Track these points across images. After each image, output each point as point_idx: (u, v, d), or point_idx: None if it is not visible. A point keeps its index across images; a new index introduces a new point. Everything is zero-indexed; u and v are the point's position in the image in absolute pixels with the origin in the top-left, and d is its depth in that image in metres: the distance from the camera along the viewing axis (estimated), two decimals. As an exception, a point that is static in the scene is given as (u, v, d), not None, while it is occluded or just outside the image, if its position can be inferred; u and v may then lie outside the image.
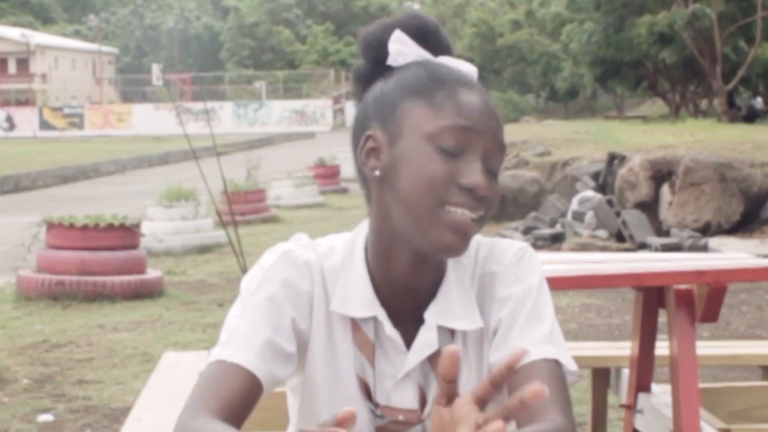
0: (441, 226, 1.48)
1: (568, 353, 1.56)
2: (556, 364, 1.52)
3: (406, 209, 1.50)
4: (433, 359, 1.56)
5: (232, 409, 1.45)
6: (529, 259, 1.60)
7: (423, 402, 1.57)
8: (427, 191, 1.48)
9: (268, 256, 1.59)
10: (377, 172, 1.53)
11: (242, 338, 1.50)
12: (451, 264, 1.59)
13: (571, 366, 1.54)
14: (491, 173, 1.51)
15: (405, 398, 1.57)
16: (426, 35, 1.58)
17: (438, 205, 1.47)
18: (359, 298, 1.56)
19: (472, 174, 1.48)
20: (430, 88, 1.52)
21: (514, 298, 1.56)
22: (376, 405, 1.57)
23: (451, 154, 1.48)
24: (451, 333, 1.58)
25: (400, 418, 1.57)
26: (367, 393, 1.57)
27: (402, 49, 1.57)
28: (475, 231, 1.50)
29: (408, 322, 1.57)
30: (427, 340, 1.56)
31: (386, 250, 1.55)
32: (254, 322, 1.52)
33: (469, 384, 1.57)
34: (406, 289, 1.56)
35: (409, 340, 1.57)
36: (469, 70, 1.59)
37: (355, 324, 1.57)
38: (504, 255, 1.60)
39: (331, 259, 1.59)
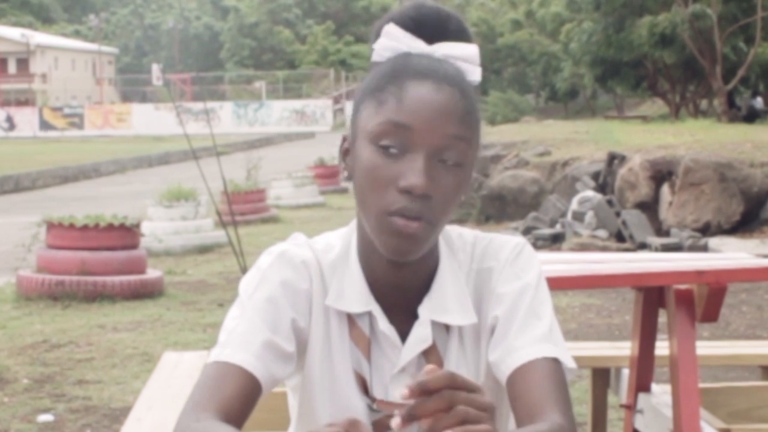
0: (387, 234, 1.46)
1: (566, 351, 1.54)
2: (556, 362, 1.50)
3: (362, 213, 1.50)
4: (428, 354, 1.55)
5: (232, 410, 1.44)
6: (526, 256, 1.59)
7: None
8: (371, 194, 1.46)
9: (265, 258, 1.59)
10: (346, 173, 1.54)
11: (241, 339, 1.50)
12: (445, 259, 1.58)
13: (569, 363, 1.53)
14: (448, 165, 1.46)
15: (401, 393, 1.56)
16: (422, 24, 1.53)
17: (382, 213, 1.45)
18: (354, 294, 1.56)
19: (410, 176, 1.43)
20: (382, 85, 1.48)
21: (512, 295, 1.54)
22: (373, 399, 1.57)
23: (392, 154, 1.45)
24: (447, 328, 1.57)
25: (396, 412, 1.56)
26: (364, 388, 1.57)
27: (389, 44, 1.52)
28: (423, 231, 1.46)
29: (403, 317, 1.56)
30: (421, 335, 1.55)
31: (367, 249, 1.55)
32: (253, 323, 1.51)
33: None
34: (393, 285, 1.55)
35: (404, 334, 1.56)
36: (464, 53, 1.54)
37: (352, 319, 1.57)
38: (501, 251, 1.59)
39: (329, 255, 1.59)
